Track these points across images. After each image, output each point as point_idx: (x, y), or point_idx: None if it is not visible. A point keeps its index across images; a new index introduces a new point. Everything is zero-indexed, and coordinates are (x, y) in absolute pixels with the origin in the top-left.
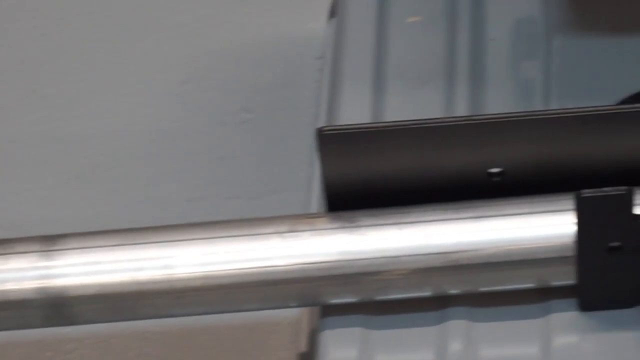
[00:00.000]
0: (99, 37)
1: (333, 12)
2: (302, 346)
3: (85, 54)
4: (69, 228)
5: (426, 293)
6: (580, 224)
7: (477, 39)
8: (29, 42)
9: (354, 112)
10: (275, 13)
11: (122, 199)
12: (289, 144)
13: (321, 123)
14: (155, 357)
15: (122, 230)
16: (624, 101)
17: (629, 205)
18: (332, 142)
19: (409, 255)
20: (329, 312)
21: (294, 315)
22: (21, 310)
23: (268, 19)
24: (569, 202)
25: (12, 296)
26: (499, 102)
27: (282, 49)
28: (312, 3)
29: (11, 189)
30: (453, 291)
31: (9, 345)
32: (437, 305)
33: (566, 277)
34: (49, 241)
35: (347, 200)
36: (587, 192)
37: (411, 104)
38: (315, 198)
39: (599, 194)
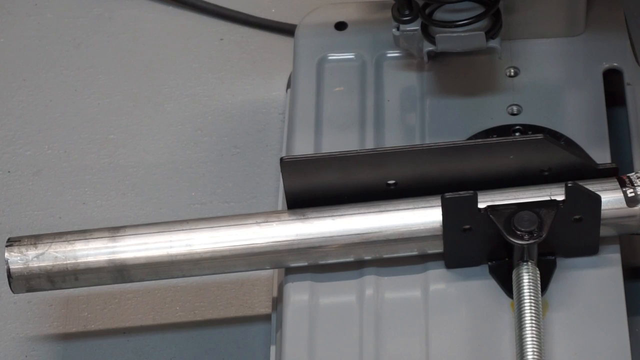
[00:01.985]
0: (137, 99)
1: (289, 85)
2: (274, 293)
3: (132, 111)
4: (122, 224)
5: (350, 259)
6: (445, 214)
7: (379, 100)
8: (102, 103)
9: (303, 148)
10: (253, 87)
11: (154, 204)
12: (264, 168)
13: (283, 154)
14: (182, 301)
15: (159, 223)
16: (470, 138)
17: (475, 202)
18: (290, 166)
19: (339, 236)
20: (290, 271)
21: (269, 274)
22: (98, 274)
23: (248, 90)
24: (438, 200)
25: (92, 265)
26: (394, 139)
27: (257, 108)
28: (275, 81)
29: (82, 199)
30: (367, 257)
31: (91, 296)
32: (357, 266)
33: (437, 247)
34: (114, 230)
35: (300, 202)
36: (449, 195)
37: (338, 142)
38: (281, 201)
39: (456, 195)
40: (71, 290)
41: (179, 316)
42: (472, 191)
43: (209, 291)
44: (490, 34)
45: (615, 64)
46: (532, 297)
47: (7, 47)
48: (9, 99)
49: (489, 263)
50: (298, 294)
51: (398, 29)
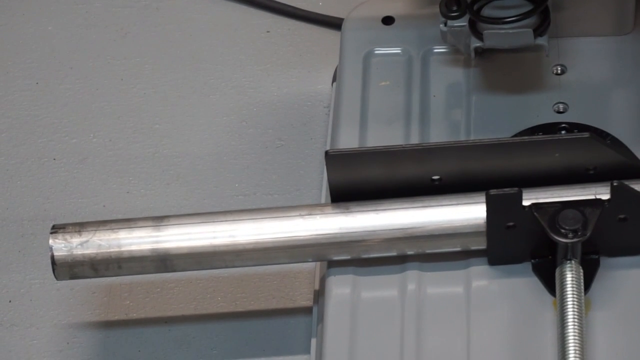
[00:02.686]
0: (183, 89)
1: (334, 78)
2: (316, 286)
3: (178, 101)
4: (165, 213)
5: (392, 253)
6: (489, 211)
7: (425, 95)
8: (148, 92)
9: (348, 142)
10: (299, 80)
11: (198, 195)
12: (308, 160)
13: (327, 147)
14: (223, 292)
15: (203, 213)
16: (516, 135)
17: (519, 199)
18: (335, 159)
19: (382, 230)
20: (332, 265)
21: (311, 266)
22: (141, 263)
23: (294, 83)
24: (482, 197)
25: (135, 254)
26: (439, 135)
27: (302, 101)
28: (321, 74)
29: (126, 188)
30: (409, 252)
31: (133, 284)
32: (399, 261)
33: (480, 244)
34: (158, 220)
35: (344, 195)
36: (493, 191)
37: (383, 136)
38: (324, 194)
39: (501, 192)
40: (114, 278)
41: (220, 306)
42: (516, 188)
43: (251, 282)
44: (538, 31)
45: None
46: (575, 296)
47: (55, 36)
48: (55, 86)
49: (532, 261)
50: (340, 287)
51: (445, 24)
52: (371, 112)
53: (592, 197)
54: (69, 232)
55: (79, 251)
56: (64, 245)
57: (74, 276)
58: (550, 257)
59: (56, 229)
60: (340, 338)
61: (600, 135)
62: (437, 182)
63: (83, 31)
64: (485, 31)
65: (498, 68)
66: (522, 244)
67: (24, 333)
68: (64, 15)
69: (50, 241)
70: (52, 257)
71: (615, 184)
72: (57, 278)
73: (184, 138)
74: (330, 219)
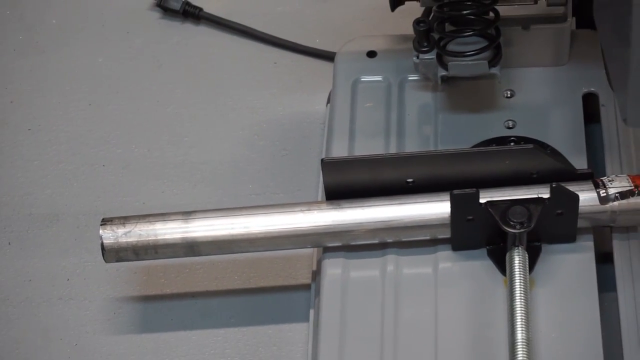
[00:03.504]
0: (207, 109)
1: (329, 100)
2: (314, 267)
3: (203, 119)
4: (193, 209)
5: (375, 241)
6: (452, 207)
7: (401, 114)
8: (179, 112)
9: (339, 151)
10: (300, 102)
11: (219, 194)
12: (308, 167)
13: (323, 156)
14: (239, 272)
15: (223, 209)
16: (474, 146)
17: (477, 198)
18: (329, 165)
19: (367, 222)
20: (327, 250)
21: (310, 252)
22: (173, 248)
23: (296, 104)
24: (447, 196)
25: (169, 241)
26: (412, 146)
27: (303, 118)
28: (318, 97)
29: (162, 189)
30: (389, 240)
31: (167, 266)
32: (381, 247)
33: (445, 233)
34: (187, 214)
35: (336, 194)
36: (456, 191)
37: (368, 147)
38: (320, 194)
39: (462, 192)
40: (151, 261)
41: (237, 284)
42: (475, 189)
43: (262, 264)
44: (492, 62)
45: (592, 89)
46: (521, 276)
47: (104, 66)
48: (104, 107)
49: (487, 247)
50: (333, 268)
51: (418, 57)
52: (358, 128)
53: (536, 196)
54: (115, 224)
55: (123, 239)
56: (111, 235)
57: (119, 259)
58: (501, 244)
59: (105, 222)
60: (333, 309)
61: (542, 147)
62: (411, 184)
63: (127, 62)
64: (449, 63)
65: (460, 92)
66: (479, 233)
67: (80, 305)
68: (112, 49)
69: (101, 231)
70: (102, 244)
71: (553, 185)
72: (105, 261)
73: (208, 148)
74: (325, 214)
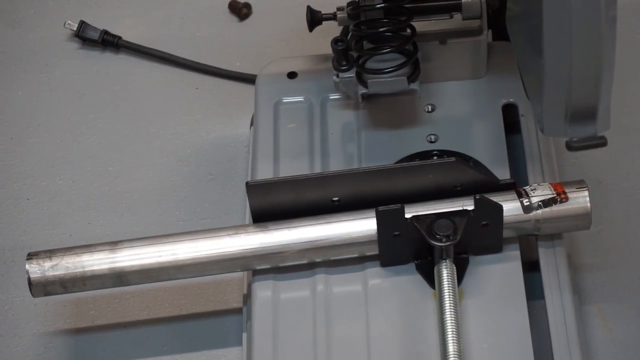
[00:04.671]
0: (130, 137)
1: (252, 123)
2: (244, 290)
3: (126, 148)
4: (120, 239)
5: (304, 261)
6: (379, 224)
7: (324, 134)
8: (102, 142)
9: (264, 173)
10: (223, 126)
11: (146, 222)
12: (234, 190)
13: (248, 179)
14: (170, 300)
15: (150, 237)
16: (398, 162)
17: (402, 213)
18: (254, 188)
19: (295, 243)
20: (256, 273)
21: (240, 275)
22: (101, 279)
23: (219, 128)
24: (373, 213)
25: (96, 272)
26: (337, 165)
27: (227, 142)
28: (241, 120)
29: (88, 220)
30: (317, 260)
31: (97, 297)
32: (310, 267)
33: (373, 250)
34: (114, 244)
35: (263, 217)
36: (381, 208)
37: (292, 168)
38: (247, 217)
39: (387, 208)
40: (80, 293)
41: (168, 311)
42: (400, 204)
43: (192, 291)
44: (411, 78)
45: (511, 100)
46: (450, 288)
47: (24, 99)
48: (27, 139)
49: (416, 261)
50: (263, 291)
51: (337, 76)
52: (282, 149)
53: (460, 208)
54: (41, 257)
55: (50, 273)
56: (37, 269)
57: (47, 293)
58: (429, 257)
59: (31, 256)
60: (265, 332)
61: (464, 159)
62: (336, 203)
63: (47, 94)
64: (369, 80)
65: (381, 109)
66: (406, 248)
67: (10, 342)
68: (31, 82)
69: (27, 266)
70: (29, 278)
71: (477, 197)
72: (33, 295)
73: (133, 177)
74: (252, 237)
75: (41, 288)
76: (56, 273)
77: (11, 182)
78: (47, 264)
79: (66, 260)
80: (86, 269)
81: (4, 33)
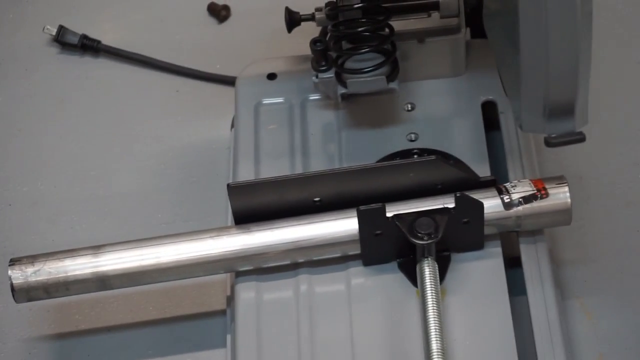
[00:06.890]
0: (111, 141)
1: (233, 125)
2: (228, 292)
3: (108, 152)
4: (103, 243)
5: (287, 262)
6: (360, 223)
7: (304, 134)
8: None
9: (246, 175)
10: (204, 128)
11: (129, 226)
12: (216, 192)
13: (230, 181)
14: (154, 302)
15: (132, 240)
16: (378, 161)
17: (384, 212)
18: (235, 190)
19: (277, 244)
20: (239, 274)
21: (223, 277)
22: (84, 284)
23: (201, 131)
24: (355, 212)
25: (79, 277)
26: (318, 165)
27: (208, 144)
28: (222, 122)
29: (70, 224)
30: (300, 260)
31: (80, 302)
32: (293, 267)
33: (356, 250)
34: (96, 248)
35: (245, 218)
36: (362, 207)
37: (273, 169)
38: (230, 218)
39: (368, 207)
40: (64, 298)
41: (153, 314)
42: (381, 203)
43: (176, 293)
44: (390, 77)
45: (491, 97)
46: (432, 286)
47: (3, 104)
48: (7, 145)
49: (398, 260)
50: (246, 292)
51: (317, 77)
52: (263, 150)
53: (441, 206)
54: (24, 263)
55: (33, 278)
56: (20, 275)
57: (30, 299)
58: (411, 256)
59: (13, 262)
60: (249, 332)
61: (445, 157)
62: (318, 203)
63: (27, 100)
64: (348, 80)
65: (361, 108)
66: (388, 247)
67: None
68: (11, 87)
69: (9, 272)
70: (11, 284)
71: (458, 194)
72: (16, 301)
73: (115, 180)
74: (235, 238)
75: (24, 294)
76: (39, 278)
77: None
78: (30, 269)
79: (49, 265)
80: (69, 274)
81: None
